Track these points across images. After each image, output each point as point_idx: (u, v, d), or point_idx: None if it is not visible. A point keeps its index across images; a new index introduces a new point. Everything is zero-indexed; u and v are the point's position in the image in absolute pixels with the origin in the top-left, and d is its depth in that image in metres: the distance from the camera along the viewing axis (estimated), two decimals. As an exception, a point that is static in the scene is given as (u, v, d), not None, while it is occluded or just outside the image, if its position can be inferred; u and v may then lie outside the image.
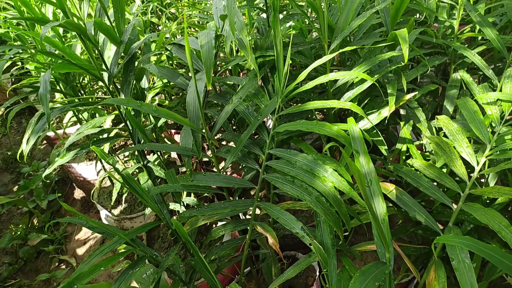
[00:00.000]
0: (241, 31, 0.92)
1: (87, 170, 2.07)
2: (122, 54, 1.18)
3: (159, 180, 1.58)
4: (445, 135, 1.18)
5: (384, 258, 0.81)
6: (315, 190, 0.93)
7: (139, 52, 1.69)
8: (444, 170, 1.18)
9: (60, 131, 2.12)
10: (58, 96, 1.84)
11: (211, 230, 1.17)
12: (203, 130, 1.05)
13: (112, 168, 1.85)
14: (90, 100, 1.62)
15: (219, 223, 1.61)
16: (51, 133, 2.30)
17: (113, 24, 1.19)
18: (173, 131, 2.27)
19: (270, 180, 1.00)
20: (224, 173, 1.21)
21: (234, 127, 1.81)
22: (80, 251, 2.05)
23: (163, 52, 1.73)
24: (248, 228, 1.12)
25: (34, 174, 2.39)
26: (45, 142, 2.76)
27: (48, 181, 2.36)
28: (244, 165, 1.23)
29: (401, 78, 1.15)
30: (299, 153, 0.97)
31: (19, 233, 2.05)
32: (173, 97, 2.16)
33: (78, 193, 2.39)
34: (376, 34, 1.29)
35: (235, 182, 1.10)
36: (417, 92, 1.15)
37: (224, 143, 2.13)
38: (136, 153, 1.57)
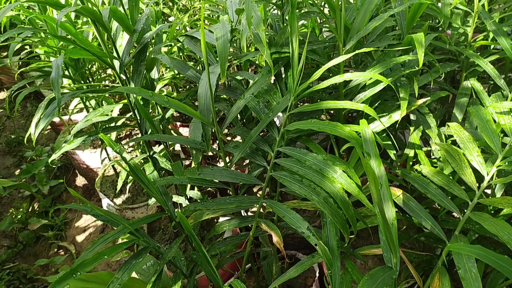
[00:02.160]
0: (257, 26, 0.91)
1: (90, 157, 2.07)
2: (135, 43, 1.18)
3: (163, 171, 1.58)
4: (453, 143, 1.18)
5: (390, 263, 0.81)
6: (323, 191, 0.92)
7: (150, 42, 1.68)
8: (451, 178, 1.18)
9: (65, 117, 2.11)
10: (66, 82, 1.83)
11: (215, 224, 1.17)
12: (214, 124, 1.04)
13: (118, 157, 1.84)
14: (98, 87, 1.61)
15: (221, 219, 1.60)
16: (56, 119, 2.30)
17: (127, 13, 1.19)
18: (178, 123, 2.27)
19: (278, 178, 1.00)
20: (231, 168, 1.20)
21: (241, 123, 1.81)
22: (80, 238, 2.05)
23: (173, 44, 1.73)
24: (252, 225, 1.12)
25: (37, 158, 2.39)
26: (49, 127, 2.76)
27: (52, 166, 2.36)
28: (251, 162, 1.23)
29: (413, 82, 1.15)
30: (309, 153, 0.96)
31: (19, 217, 2.05)
32: (180, 89, 2.15)
33: (80, 181, 2.39)
34: (390, 37, 1.28)
35: (241, 178, 1.09)
36: (429, 98, 1.15)
37: (229, 138, 2.13)
38: (141, 143, 1.57)
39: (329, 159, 0.94)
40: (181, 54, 1.88)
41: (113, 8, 1.02)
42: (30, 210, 2.15)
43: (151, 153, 1.37)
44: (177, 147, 2.10)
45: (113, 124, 1.34)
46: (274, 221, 1.25)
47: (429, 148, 1.32)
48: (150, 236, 1.71)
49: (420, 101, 1.12)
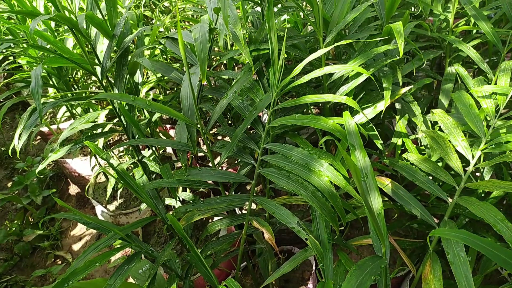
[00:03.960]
0: (235, 25, 0.91)
1: (81, 165, 2.06)
2: (115, 48, 1.17)
3: (154, 175, 1.58)
4: (440, 129, 1.18)
5: (380, 252, 0.81)
6: (310, 185, 0.92)
7: (133, 46, 1.67)
8: (439, 164, 1.18)
9: (54, 126, 2.10)
10: (51, 90, 1.82)
11: (208, 225, 1.17)
12: (198, 125, 1.04)
13: (107, 164, 1.83)
14: (83, 94, 1.60)
15: (215, 218, 1.60)
16: (45, 129, 2.28)
17: (106, 18, 1.18)
18: (168, 126, 2.26)
19: (266, 174, 1.00)
20: (220, 167, 1.20)
21: (229, 122, 1.81)
22: (76, 246, 2.04)
23: (156, 46, 1.72)
24: (244, 223, 1.12)
25: (28, 169, 2.37)
26: (39, 137, 2.74)
27: (42, 176, 2.34)
28: (239, 160, 1.23)
29: (396, 71, 1.15)
30: (294, 148, 0.96)
31: (14, 229, 2.04)
32: (167, 92, 2.14)
33: (73, 189, 2.38)
34: (371, 28, 1.28)
35: (230, 177, 1.09)
36: (412, 86, 1.15)
37: (219, 137, 2.13)
38: (130, 148, 1.56)
39: (315, 153, 0.94)
40: (165, 56, 1.87)
41: (89, 14, 1.01)
42: (24, 221, 2.13)
43: (140, 158, 1.37)
44: (169, 149, 2.09)
45: (100, 130, 1.33)
46: (266, 218, 1.25)
47: (417, 136, 1.33)
48: (145, 240, 1.71)
49: (404, 90, 1.12)
